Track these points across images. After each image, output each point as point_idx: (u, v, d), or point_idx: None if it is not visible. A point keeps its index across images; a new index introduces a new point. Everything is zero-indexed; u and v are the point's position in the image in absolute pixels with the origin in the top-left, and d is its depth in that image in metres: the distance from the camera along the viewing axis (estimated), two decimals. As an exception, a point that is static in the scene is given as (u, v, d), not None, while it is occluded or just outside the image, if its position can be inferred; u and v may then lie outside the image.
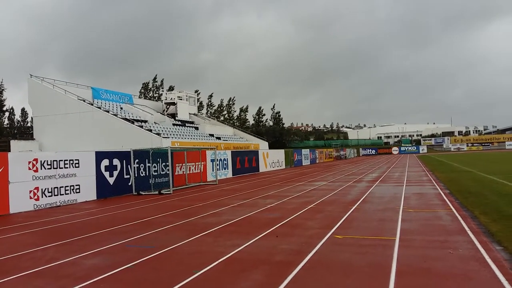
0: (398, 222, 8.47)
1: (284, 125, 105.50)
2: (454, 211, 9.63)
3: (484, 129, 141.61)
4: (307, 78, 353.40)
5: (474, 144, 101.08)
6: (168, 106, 45.95)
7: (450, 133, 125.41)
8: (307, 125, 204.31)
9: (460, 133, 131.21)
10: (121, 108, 38.28)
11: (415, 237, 7.08)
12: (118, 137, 30.11)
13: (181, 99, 46.47)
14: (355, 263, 5.61)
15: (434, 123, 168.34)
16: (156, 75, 79.62)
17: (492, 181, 16.21)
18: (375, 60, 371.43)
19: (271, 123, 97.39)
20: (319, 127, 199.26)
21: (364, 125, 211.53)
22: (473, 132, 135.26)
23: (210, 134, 43.85)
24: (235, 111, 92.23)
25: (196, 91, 77.42)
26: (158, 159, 18.54)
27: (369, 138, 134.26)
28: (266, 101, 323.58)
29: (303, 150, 48.42)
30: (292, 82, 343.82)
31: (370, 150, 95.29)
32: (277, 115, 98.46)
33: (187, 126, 43.12)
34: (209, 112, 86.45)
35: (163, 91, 70.05)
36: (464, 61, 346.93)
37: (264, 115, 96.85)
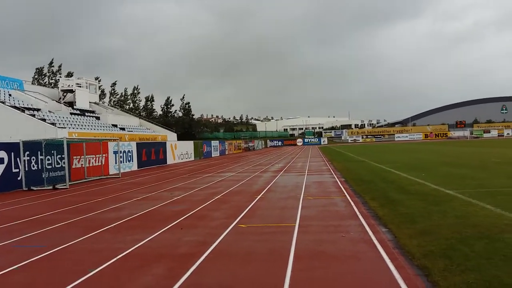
0: (298, 209, 8.92)
1: (194, 117, 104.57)
2: (348, 197, 10.43)
3: (377, 123, 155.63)
4: (221, 70, 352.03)
5: (368, 136, 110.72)
6: (65, 94, 42.42)
7: (348, 126, 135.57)
8: (217, 116, 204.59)
9: (356, 126, 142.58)
10: (10, 95, 34.39)
11: (313, 222, 7.52)
12: (6, 127, 27.03)
13: (80, 87, 43.19)
14: (257, 251, 5.78)
15: (334, 117, 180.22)
16: (52, 59, 72.98)
17: (382, 170, 17.90)
18: (286, 55, 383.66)
19: (180, 114, 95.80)
20: (230, 119, 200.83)
21: (272, 118, 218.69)
22: (368, 125, 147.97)
23: (113, 125, 41.52)
24: (140, 101, 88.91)
25: (97, 78, 72.77)
26: (53, 151, 17.04)
27: (276, 130, 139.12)
28: (178, 91, 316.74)
29: (212, 141, 48.42)
30: (205, 74, 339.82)
31: (277, 142, 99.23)
32: (187, 106, 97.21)
33: (87, 116, 40.31)
34: (112, 101, 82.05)
35: (60, 77, 64.45)
36: (363, 60, 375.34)
37: (173, 105, 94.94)
